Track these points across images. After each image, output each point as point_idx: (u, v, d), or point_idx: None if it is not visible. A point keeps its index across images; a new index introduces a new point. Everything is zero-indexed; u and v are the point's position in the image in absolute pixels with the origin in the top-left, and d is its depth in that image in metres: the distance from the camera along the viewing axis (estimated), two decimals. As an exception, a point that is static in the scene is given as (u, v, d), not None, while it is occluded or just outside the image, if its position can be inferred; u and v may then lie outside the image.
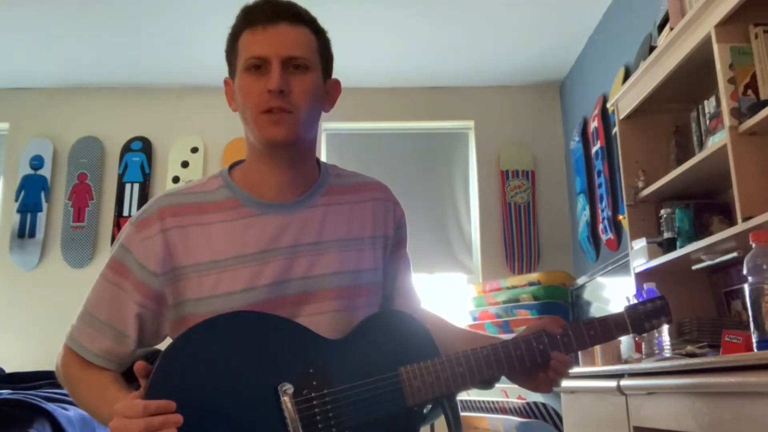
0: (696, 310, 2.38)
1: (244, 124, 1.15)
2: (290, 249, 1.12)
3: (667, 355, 1.93)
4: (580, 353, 2.53)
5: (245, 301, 1.08)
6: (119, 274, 1.12)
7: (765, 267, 1.41)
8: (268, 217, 1.14)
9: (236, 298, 1.08)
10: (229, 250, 1.10)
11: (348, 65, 4.22)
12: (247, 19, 1.13)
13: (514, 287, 3.74)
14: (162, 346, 1.38)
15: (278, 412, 1.02)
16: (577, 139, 4.07)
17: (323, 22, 1.20)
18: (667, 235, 2.43)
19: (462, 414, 1.64)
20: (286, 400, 1.02)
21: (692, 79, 2.35)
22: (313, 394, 1.04)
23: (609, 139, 3.56)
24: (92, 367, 1.13)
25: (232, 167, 1.21)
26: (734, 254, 2.09)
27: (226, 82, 1.19)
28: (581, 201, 4.00)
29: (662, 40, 2.40)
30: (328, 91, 1.20)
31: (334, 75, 1.25)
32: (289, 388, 1.03)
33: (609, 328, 1.19)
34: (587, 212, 3.90)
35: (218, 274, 1.09)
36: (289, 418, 1.01)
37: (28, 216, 4.35)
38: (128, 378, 1.29)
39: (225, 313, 1.06)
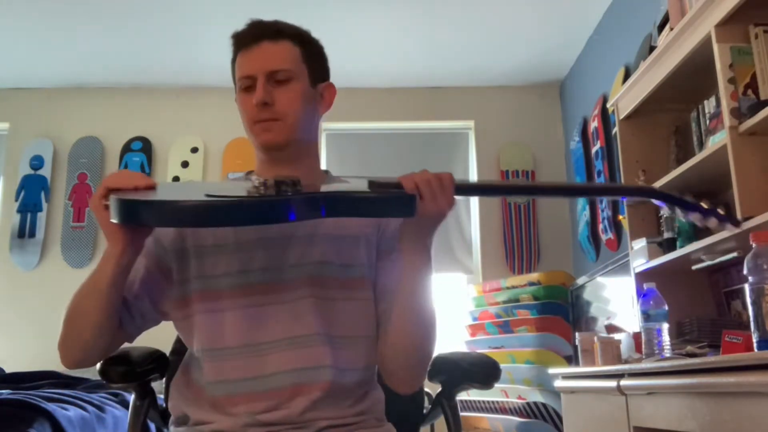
0: (696, 310, 2.38)
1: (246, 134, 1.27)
2: (285, 238, 1.19)
3: (667, 355, 1.93)
4: (580, 354, 2.53)
5: (240, 282, 1.16)
6: None
7: (765, 267, 1.41)
8: None
9: (232, 279, 1.16)
10: (229, 235, 1.19)
11: (348, 65, 4.22)
12: (237, 44, 1.24)
13: (514, 287, 3.74)
14: (160, 345, 1.38)
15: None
16: (577, 139, 4.07)
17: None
18: (667, 235, 2.44)
19: (462, 414, 1.64)
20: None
21: (692, 79, 2.35)
22: None
23: (609, 139, 3.56)
24: None
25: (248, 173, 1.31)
26: (734, 254, 2.09)
27: (236, 100, 1.29)
28: (581, 201, 4.00)
29: (662, 40, 2.40)
30: (322, 95, 1.27)
31: (335, 76, 1.30)
32: None
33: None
34: (587, 212, 3.90)
35: (217, 257, 1.18)
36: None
37: (28, 216, 4.35)
38: (128, 378, 1.30)
39: None
